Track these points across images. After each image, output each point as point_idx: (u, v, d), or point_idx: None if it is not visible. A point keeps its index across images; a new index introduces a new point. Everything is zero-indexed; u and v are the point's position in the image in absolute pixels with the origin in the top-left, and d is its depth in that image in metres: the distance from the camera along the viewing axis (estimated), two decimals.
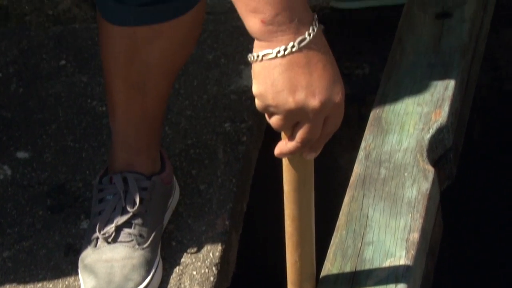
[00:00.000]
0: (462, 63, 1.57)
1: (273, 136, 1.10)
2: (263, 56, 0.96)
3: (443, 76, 1.54)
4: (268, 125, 1.02)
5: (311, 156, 1.07)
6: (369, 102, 1.70)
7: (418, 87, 1.54)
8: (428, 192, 1.36)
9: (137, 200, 1.49)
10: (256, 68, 0.97)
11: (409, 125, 1.48)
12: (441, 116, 1.48)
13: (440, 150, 1.48)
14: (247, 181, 1.70)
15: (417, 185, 1.37)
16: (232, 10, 1.03)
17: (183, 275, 1.52)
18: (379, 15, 2.16)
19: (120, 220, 1.48)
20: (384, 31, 2.01)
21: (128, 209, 1.48)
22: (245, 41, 1.84)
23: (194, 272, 1.51)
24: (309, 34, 0.96)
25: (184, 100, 1.81)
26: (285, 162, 1.12)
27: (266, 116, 1.00)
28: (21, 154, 1.75)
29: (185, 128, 1.76)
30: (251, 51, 0.97)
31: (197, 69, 1.85)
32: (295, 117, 0.98)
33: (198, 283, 1.50)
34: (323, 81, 0.97)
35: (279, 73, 0.96)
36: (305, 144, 1.03)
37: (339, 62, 1.03)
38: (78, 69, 1.92)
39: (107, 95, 1.55)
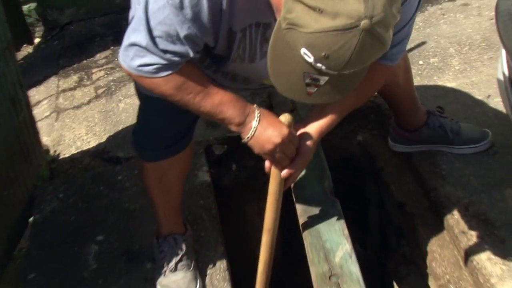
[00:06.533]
0: None
1: None
2: (247, 138, 1.64)
3: None
4: None
5: (283, 174, 1.70)
6: None
7: None
8: None
9: (183, 247, 2.17)
10: (250, 144, 1.66)
11: None
12: None
13: None
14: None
15: None
16: None
17: (207, 279, 2.25)
18: None
19: (176, 259, 2.15)
20: None
21: (179, 252, 2.16)
22: None
23: (214, 278, 2.26)
24: (258, 116, 1.62)
25: None
26: (271, 179, 1.72)
27: (264, 156, 1.68)
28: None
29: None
30: None
31: None
32: (270, 153, 1.65)
33: (217, 281, 2.24)
34: (269, 137, 1.62)
35: (256, 141, 1.63)
36: (278, 164, 1.68)
37: None
38: None
39: (150, 199, 2.17)
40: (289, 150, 1.66)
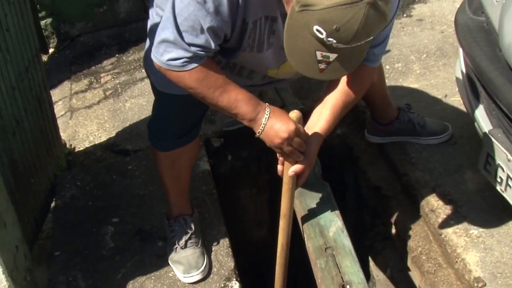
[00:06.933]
0: None
1: None
2: (258, 132, 1.59)
3: None
4: None
5: (290, 174, 1.64)
6: None
7: None
8: None
9: (192, 226, 2.12)
10: (261, 138, 1.61)
11: None
12: None
13: None
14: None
15: None
16: None
17: (213, 255, 2.20)
18: None
19: (186, 237, 2.10)
20: None
21: (188, 231, 2.11)
22: None
23: (218, 254, 2.20)
24: (268, 113, 1.56)
25: None
26: (285, 169, 1.66)
27: (275, 149, 1.62)
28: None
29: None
30: None
31: None
32: (279, 147, 1.59)
33: (221, 256, 2.19)
34: (277, 132, 1.56)
35: (266, 136, 1.58)
36: (288, 157, 1.62)
37: None
38: None
39: (162, 184, 2.14)
40: (297, 144, 1.60)
